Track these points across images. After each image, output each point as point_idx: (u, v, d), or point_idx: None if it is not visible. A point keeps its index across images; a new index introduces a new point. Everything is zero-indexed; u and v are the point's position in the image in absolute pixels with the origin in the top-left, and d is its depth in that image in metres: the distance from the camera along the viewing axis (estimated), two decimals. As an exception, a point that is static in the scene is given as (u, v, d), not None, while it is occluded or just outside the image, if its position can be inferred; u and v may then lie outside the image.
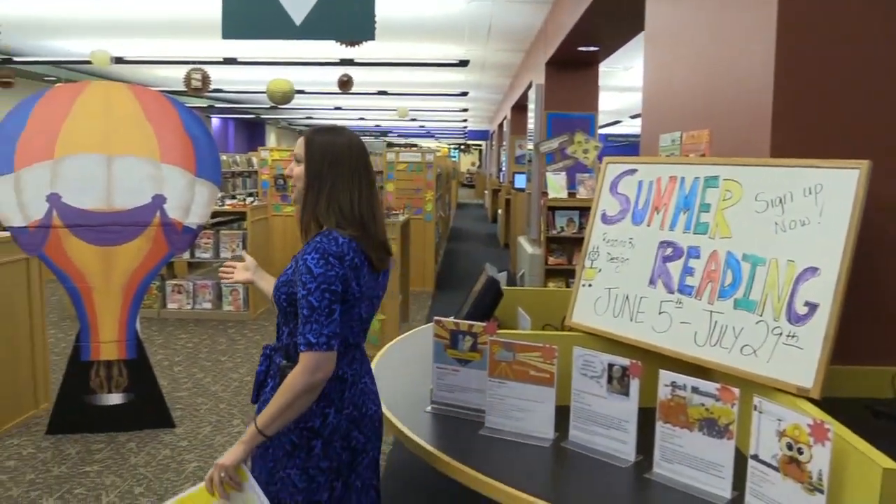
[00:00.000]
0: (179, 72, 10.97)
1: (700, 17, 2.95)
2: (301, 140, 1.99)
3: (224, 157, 15.72)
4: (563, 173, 6.38)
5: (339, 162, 1.93)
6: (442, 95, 16.45)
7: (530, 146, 8.15)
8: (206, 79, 10.00)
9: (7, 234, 4.19)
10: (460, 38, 9.75)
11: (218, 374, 5.60)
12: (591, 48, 7.33)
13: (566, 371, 2.10)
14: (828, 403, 1.73)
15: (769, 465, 1.60)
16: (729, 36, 2.62)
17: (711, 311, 2.09)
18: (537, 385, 2.11)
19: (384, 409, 2.33)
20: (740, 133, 2.48)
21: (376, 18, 3.98)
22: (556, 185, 6.25)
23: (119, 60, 10.63)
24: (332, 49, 6.23)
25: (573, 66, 8.03)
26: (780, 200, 2.01)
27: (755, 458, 1.64)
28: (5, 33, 5.32)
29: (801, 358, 1.83)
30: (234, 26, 3.99)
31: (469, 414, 2.28)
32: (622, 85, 13.90)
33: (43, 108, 4.21)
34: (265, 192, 9.43)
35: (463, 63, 10.47)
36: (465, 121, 26.65)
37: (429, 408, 2.37)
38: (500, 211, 14.75)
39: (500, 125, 18.20)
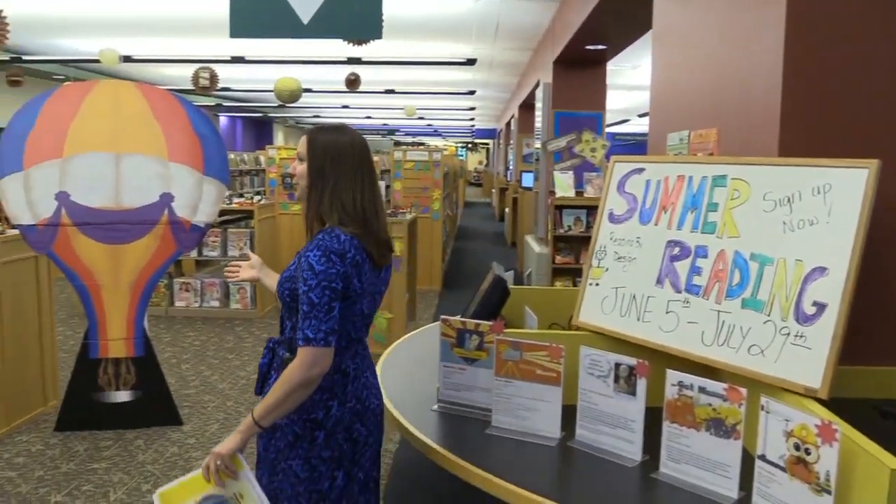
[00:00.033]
0: (187, 70, 11.00)
1: (708, 15, 2.94)
2: (304, 139, 2.02)
3: (232, 156, 15.77)
4: (571, 172, 6.37)
5: (342, 160, 1.95)
6: (449, 94, 16.46)
7: (538, 145, 8.13)
8: (213, 77, 10.03)
9: (16, 232, 4.22)
10: (468, 37, 9.75)
11: (225, 371, 5.62)
12: (599, 47, 7.31)
13: (573, 370, 2.09)
14: (835, 404, 1.72)
15: (776, 466, 1.59)
16: (737, 34, 2.61)
17: (719, 311, 2.09)
18: (544, 384, 2.11)
19: (391, 408, 2.34)
20: (749, 132, 2.47)
21: (384, 17, 3.99)
22: (564, 184, 6.25)
23: (127, 59, 10.67)
24: (339, 48, 6.23)
25: (581, 64, 8.01)
26: (789, 200, 2.01)
27: (762, 458, 1.63)
28: (14, 31, 5.35)
29: (808, 358, 1.82)
30: (241, 25, 4.01)
31: (475, 413, 2.28)
32: (630, 83, 13.87)
33: (52, 106, 4.23)
34: (272, 190, 9.45)
35: (470, 62, 10.47)
36: (472, 119, 26.63)
37: (435, 406, 2.37)
38: (507, 209, 14.75)
39: (508, 124, 18.20)
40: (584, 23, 6.14)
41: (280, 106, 19.48)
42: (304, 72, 12.32)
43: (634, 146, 25.52)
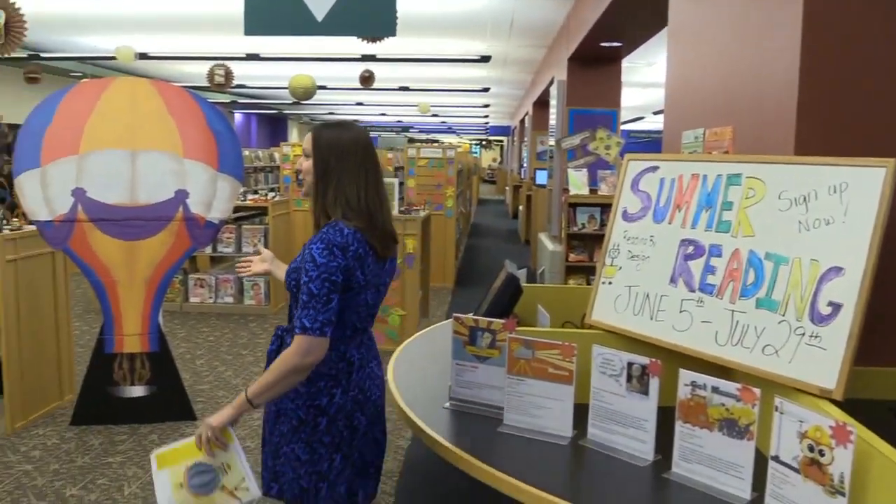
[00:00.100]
0: (203, 67, 11.07)
1: (724, 12, 2.92)
2: (308, 135, 2.09)
3: (246, 153, 15.83)
4: (585, 170, 6.35)
5: (345, 156, 2.01)
6: (463, 91, 16.44)
7: (552, 142, 8.11)
8: (229, 74, 10.09)
9: (33, 227, 4.26)
10: (482, 34, 9.73)
11: (239, 367, 5.65)
12: (614, 44, 7.28)
13: (585, 369, 2.09)
14: (850, 405, 1.70)
15: (790, 467, 1.58)
16: (753, 31, 2.59)
17: (733, 311, 2.07)
18: (556, 383, 2.10)
19: (403, 404, 2.35)
20: (764, 130, 2.45)
21: (398, 14, 3.99)
22: (578, 182, 6.22)
23: (143, 56, 10.75)
24: (353, 45, 6.24)
25: (596, 61, 7.98)
26: (804, 199, 1.99)
27: (776, 459, 1.62)
28: (32, 29, 5.39)
29: (823, 359, 1.80)
30: (256, 23, 4.02)
31: (487, 411, 2.28)
32: (645, 81, 13.80)
33: (69, 103, 4.26)
34: (287, 187, 9.49)
35: (485, 59, 10.46)
36: (486, 116, 26.61)
37: (447, 404, 2.37)
38: (521, 207, 14.72)
39: (522, 121, 18.15)
40: (600, 19, 6.12)
41: (295, 103, 19.54)
42: (319, 69, 12.35)
43: (649, 144, 25.37)
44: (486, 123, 30.46)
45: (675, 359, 2.09)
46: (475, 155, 37.40)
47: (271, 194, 8.79)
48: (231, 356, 5.96)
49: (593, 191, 6.26)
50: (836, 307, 1.82)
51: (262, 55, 10.91)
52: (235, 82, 10.64)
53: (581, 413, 2.09)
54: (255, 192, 13.31)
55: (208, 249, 7.62)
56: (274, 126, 30.30)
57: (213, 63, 10.28)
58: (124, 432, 4.28)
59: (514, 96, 18.48)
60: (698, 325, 2.15)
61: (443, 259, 9.04)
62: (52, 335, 4.61)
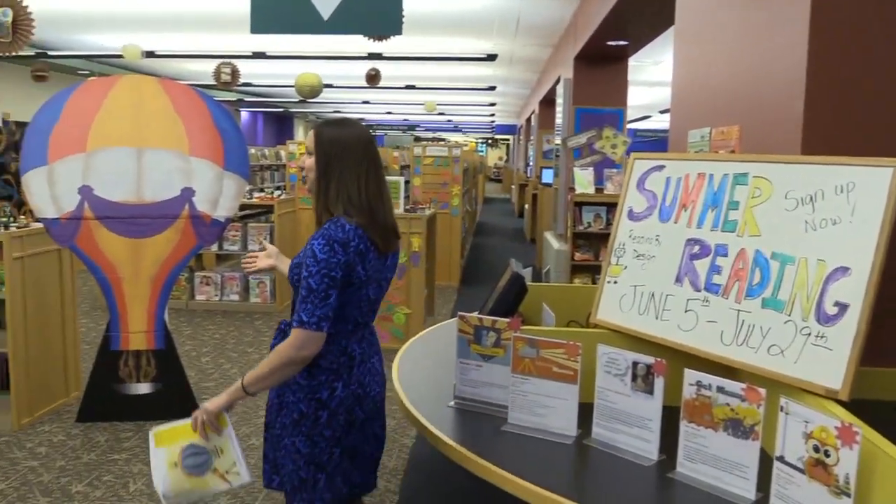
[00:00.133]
0: (209, 66, 11.09)
1: (731, 11, 2.91)
2: (311, 133, 2.11)
3: (252, 151, 15.86)
4: (591, 168, 6.34)
5: (347, 153, 2.03)
6: (470, 90, 16.44)
7: (558, 141, 8.11)
8: (235, 73, 10.11)
9: (40, 225, 4.28)
10: (488, 33, 9.72)
11: (244, 365, 5.66)
12: (621, 42, 7.27)
13: (590, 368, 2.08)
14: (856, 405, 1.70)
15: (795, 468, 1.57)
16: (760, 30, 2.58)
17: (739, 310, 2.07)
18: (561, 382, 2.10)
19: (407, 403, 2.35)
20: (771, 129, 2.44)
21: (404, 13, 3.99)
22: (584, 181, 6.21)
23: (150, 55, 10.79)
24: (360, 43, 6.24)
25: (602, 60, 7.96)
26: (811, 198, 1.98)
27: (781, 459, 1.62)
28: (39, 27, 5.40)
29: (829, 359, 1.80)
30: (262, 21, 4.03)
31: (492, 409, 2.28)
32: (652, 80, 13.78)
33: (76, 101, 4.27)
34: (293, 185, 9.50)
35: (491, 57, 10.46)
36: (492, 115, 26.60)
37: (451, 403, 2.37)
38: (526, 206, 14.70)
39: (528, 120, 18.14)
40: (606, 18, 6.10)
41: (301, 101, 19.57)
42: (325, 67, 12.37)
43: (655, 143, 25.34)
44: (492, 122, 30.45)
45: (681, 358, 2.09)
46: (481, 153, 37.38)
47: (277, 192, 8.79)
48: (236, 354, 5.97)
49: (599, 190, 6.24)
50: (843, 307, 1.81)
51: (268, 53, 10.93)
52: (242, 80, 10.67)
53: (586, 412, 2.09)
54: (261, 190, 13.35)
55: (214, 247, 7.64)
56: (280, 124, 30.36)
57: (219, 61, 10.31)
58: (130, 429, 4.29)
59: (521, 95, 18.47)
60: (704, 325, 2.15)
61: (448, 258, 9.04)
62: (58, 332, 4.63)
